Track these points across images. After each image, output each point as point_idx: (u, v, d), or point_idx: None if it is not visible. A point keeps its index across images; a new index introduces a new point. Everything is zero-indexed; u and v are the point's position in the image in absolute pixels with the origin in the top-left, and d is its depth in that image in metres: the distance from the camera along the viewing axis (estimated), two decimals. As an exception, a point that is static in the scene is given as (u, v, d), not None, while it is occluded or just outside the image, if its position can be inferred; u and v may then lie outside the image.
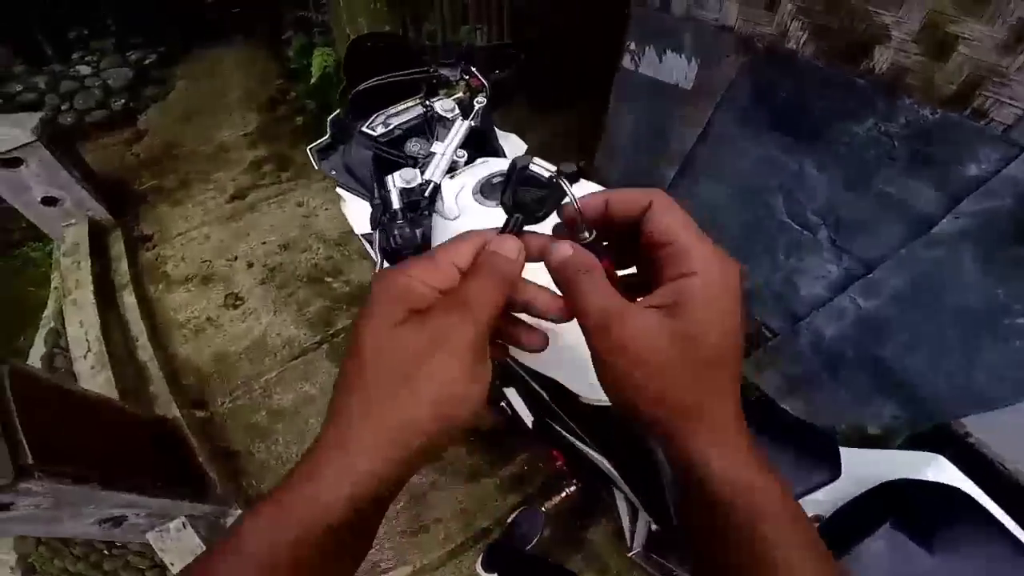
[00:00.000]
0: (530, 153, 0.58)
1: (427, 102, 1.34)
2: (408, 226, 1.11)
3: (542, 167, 0.40)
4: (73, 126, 4.59)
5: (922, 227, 1.47)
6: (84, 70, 4.86)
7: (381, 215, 1.17)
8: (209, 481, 1.97)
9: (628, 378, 0.31)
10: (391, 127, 1.44)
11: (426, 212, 1.20)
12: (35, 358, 2.49)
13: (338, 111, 1.47)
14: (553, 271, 0.35)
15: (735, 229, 2.01)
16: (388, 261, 1.20)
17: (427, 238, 1.19)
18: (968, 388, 1.56)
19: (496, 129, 1.50)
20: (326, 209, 3.21)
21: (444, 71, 1.41)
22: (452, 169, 1.18)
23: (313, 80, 3.69)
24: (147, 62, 5.20)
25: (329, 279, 2.79)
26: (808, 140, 1.63)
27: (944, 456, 1.03)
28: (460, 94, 1.39)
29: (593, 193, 0.38)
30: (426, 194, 1.15)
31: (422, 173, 1.14)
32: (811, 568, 0.28)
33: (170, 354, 2.52)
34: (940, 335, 1.56)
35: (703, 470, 0.30)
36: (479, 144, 1.33)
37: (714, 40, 1.74)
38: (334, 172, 1.47)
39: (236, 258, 2.95)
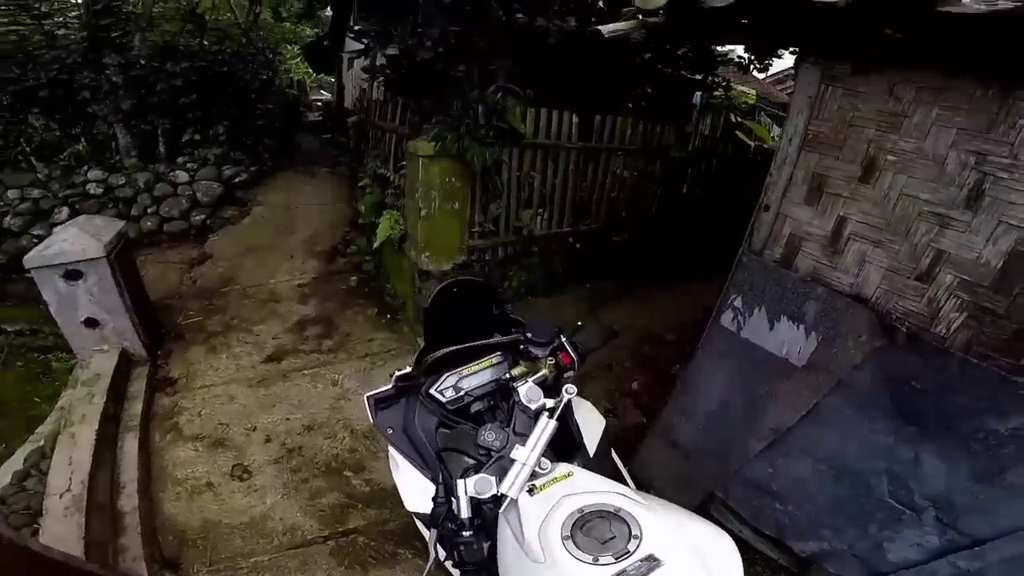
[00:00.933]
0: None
1: (507, 375, 1.24)
2: (475, 541, 0.98)
3: None
4: (152, 231, 4.85)
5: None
6: (181, 176, 5.15)
7: (444, 518, 1.02)
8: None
9: None
10: (461, 393, 1.32)
11: (493, 521, 1.05)
12: (8, 470, 2.28)
13: (407, 370, 1.36)
14: None
15: (819, 501, 1.79)
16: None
17: (493, 554, 1.04)
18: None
19: (574, 397, 1.35)
20: (360, 394, 3.04)
21: (534, 349, 1.29)
22: (533, 476, 1.03)
23: (376, 243, 3.75)
24: (236, 180, 5.50)
25: (349, 474, 2.52)
26: (936, 431, 1.44)
27: None
28: (545, 371, 1.26)
29: None
30: (501, 510, 1.02)
31: (498, 481, 1.00)
32: None
33: (155, 510, 2.26)
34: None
35: None
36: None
37: (843, 315, 1.53)
38: (391, 431, 1.32)
39: (255, 428, 2.74)
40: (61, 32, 5.72)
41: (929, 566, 1.58)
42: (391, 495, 2.40)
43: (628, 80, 4.86)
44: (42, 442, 2.44)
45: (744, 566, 0.87)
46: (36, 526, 1.96)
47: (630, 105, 4.93)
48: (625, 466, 1.44)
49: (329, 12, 8.73)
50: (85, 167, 4.87)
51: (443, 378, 1.33)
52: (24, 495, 2.16)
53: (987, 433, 1.34)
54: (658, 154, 4.39)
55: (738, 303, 1.80)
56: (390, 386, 1.34)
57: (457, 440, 1.27)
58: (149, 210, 4.94)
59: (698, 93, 6.04)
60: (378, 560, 2.12)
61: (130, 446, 2.51)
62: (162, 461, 2.50)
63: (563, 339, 1.32)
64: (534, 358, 1.30)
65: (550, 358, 1.29)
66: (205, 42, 6.12)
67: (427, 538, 1.08)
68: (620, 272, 4.52)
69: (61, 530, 1.92)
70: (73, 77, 4.78)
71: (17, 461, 2.35)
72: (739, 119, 7.20)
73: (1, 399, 2.99)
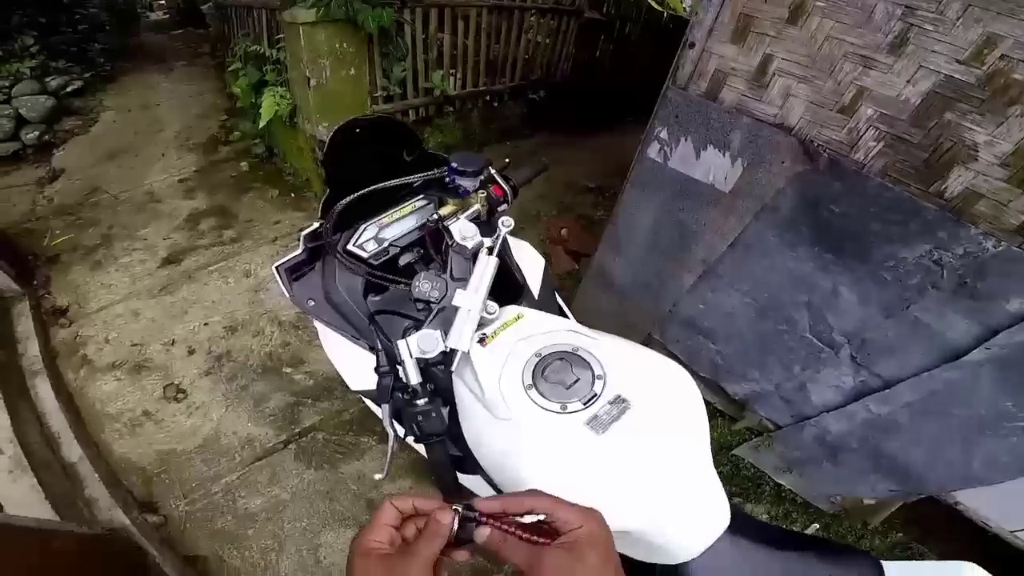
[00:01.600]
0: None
1: (435, 216, 1.07)
2: (432, 408, 0.88)
3: None
4: None
5: (949, 357, 1.46)
6: None
7: (392, 389, 0.93)
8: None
9: None
10: (385, 243, 1.18)
11: (448, 383, 0.97)
12: None
13: (316, 224, 1.19)
14: (484, 546, 0.51)
15: (748, 338, 1.92)
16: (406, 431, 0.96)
17: (455, 420, 0.96)
18: (963, 470, 1.60)
19: (510, 239, 1.23)
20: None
21: (462, 181, 1.16)
22: (481, 325, 0.94)
23: (262, 123, 3.32)
24: (69, 90, 4.66)
25: (289, 370, 2.42)
26: (850, 260, 1.55)
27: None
28: (477, 206, 1.12)
29: (493, 498, 0.54)
30: (453, 367, 0.93)
31: (444, 335, 0.89)
32: None
33: (104, 453, 2.10)
34: (944, 434, 1.58)
35: None
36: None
37: (768, 142, 1.56)
38: (312, 303, 1.17)
39: (173, 342, 2.53)
40: None
41: (847, 409, 1.70)
42: (337, 383, 2.37)
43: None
44: None
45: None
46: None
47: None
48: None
49: None
50: None
51: (361, 229, 1.18)
52: None
53: (896, 261, 1.44)
54: (571, 12, 4.31)
55: (664, 135, 1.80)
56: (300, 250, 1.17)
57: (389, 301, 1.16)
58: None
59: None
60: (344, 454, 2.14)
61: (44, 391, 2.23)
62: (86, 401, 2.28)
63: (492, 171, 1.19)
64: (463, 193, 1.18)
65: (481, 191, 1.17)
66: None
67: (381, 417, 0.99)
68: (537, 129, 4.62)
69: (17, 495, 1.75)
70: None
71: None
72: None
73: None
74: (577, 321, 1.03)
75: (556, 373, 0.85)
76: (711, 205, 1.78)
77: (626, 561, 0.80)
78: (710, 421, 1.26)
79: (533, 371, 0.86)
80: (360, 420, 2.25)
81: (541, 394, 0.83)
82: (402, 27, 3.18)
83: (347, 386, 1.21)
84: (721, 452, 2.17)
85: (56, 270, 2.90)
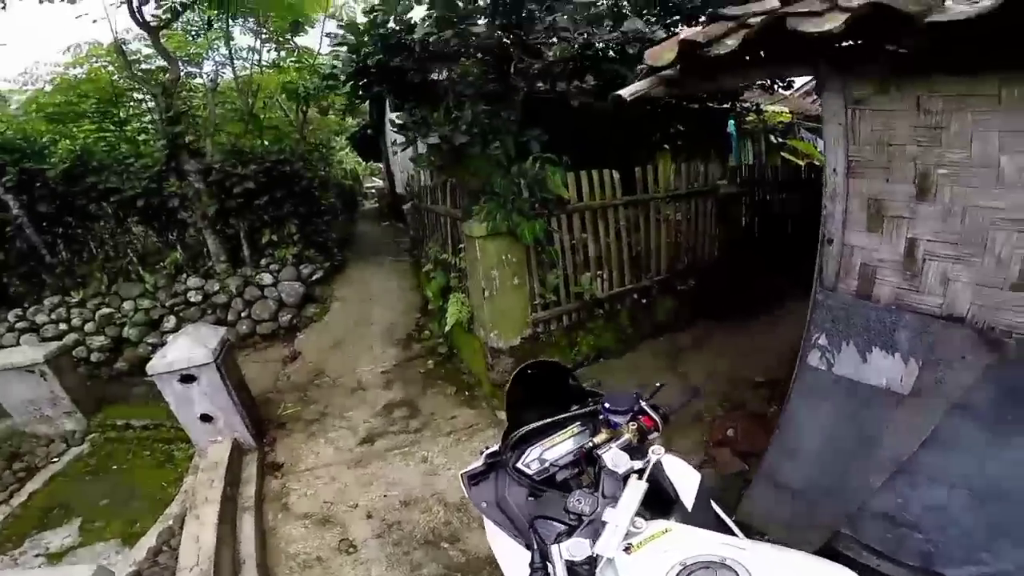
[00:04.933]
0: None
1: (590, 443, 1.28)
2: None
3: None
4: (247, 334, 5.31)
5: None
6: (266, 279, 5.60)
7: None
8: None
9: None
10: (546, 464, 1.38)
11: None
12: (143, 547, 2.60)
13: (495, 447, 1.47)
14: None
15: (966, 523, 1.61)
16: None
17: None
18: None
19: (663, 456, 1.31)
20: (449, 469, 3.16)
21: (614, 418, 1.34)
22: (627, 536, 1.02)
23: (447, 327, 3.91)
24: (314, 278, 5.88)
25: (446, 545, 2.62)
26: None
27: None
28: (628, 435, 1.28)
29: None
30: (598, 571, 1.01)
31: (592, 542, 1.00)
32: None
33: None
34: None
35: None
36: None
37: (940, 338, 1.41)
38: (485, 505, 1.39)
39: (356, 506, 2.91)
40: (142, 138, 6.49)
41: None
42: (486, 563, 2.45)
43: (658, 124, 4.93)
44: (171, 522, 2.75)
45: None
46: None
47: (666, 146, 4.96)
48: (730, 517, 1.39)
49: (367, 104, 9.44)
50: (184, 275, 5.43)
51: (528, 451, 1.40)
52: (157, 569, 2.43)
53: None
54: (707, 192, 4.24)
55: (823, 341, 1.72)
56: (480, 463, 1.44)
57: (546, 507, 1.30)
58: (242, 314, 5.44)
59: (731, 121, 6.05)
60: None
61: (247, 525, 2.74)
62: (275, 539, 2.71)
63: (643, 404, 1.35)
64: (615, 426, 1.34)
65: (631, 423, 1.32)
66: (265, 141, 6.65)
67: None
68: (691, 320, 4.35)
69: None
70: (161, 185, 5.32)
71: (150, 539, 2.66)
72: (779, 140, 7.06)
73: (133, 485, 3.41)
74: (749, 524, 1.06)
75: None
76: (891, 407, 1.62)
77: None
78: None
79: None
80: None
81: None
82: (551, 236, 3.51)
83: (501, 572, 1.35)
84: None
85: (281, 434, 3.64)
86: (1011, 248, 1.25)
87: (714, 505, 1.36)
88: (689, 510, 1.23)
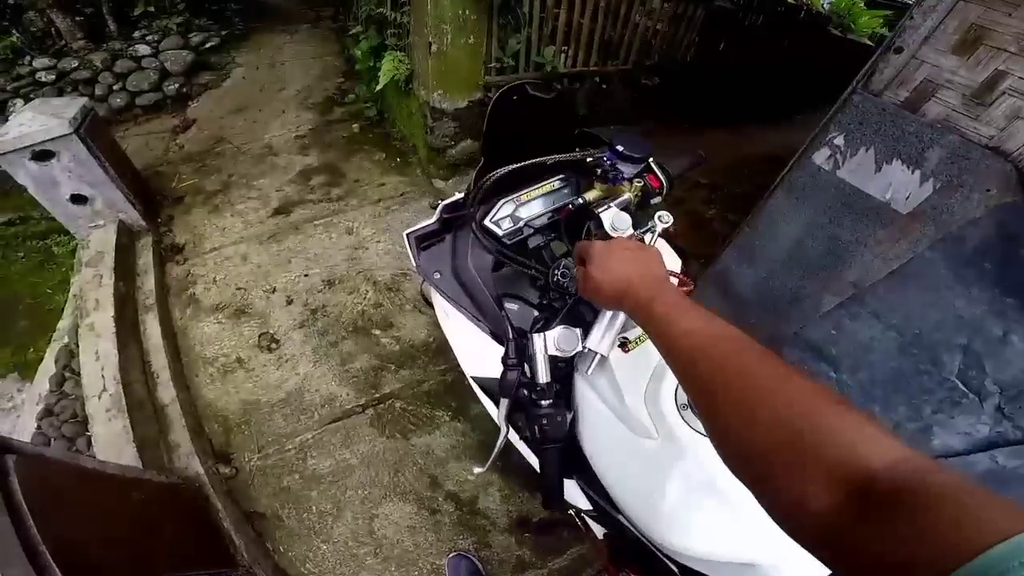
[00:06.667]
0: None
1: (581, 200, 0.97)
2: (558, 412, 0.80)
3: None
4: (123, 108, 4.44)
5: None
6: (143, 50, 4.65)
7: (517, 384, 0.83)
8: (236, 550, 1.68)
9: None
10: (520, 223, 1.06)
11: (570, 389, 0.90)
12: (44, 376, 2.21)
13: (457, 196, 1.11)
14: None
15: (878, 372, 1.69)
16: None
17: (574, 423, 0.88)
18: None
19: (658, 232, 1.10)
20: (378, 242, 2.88)
21: (623, 166, 0.99)
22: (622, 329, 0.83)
23: (379, 85, 3.36)
24: (208, 46, 4.99)
25: (377, 332, 2.42)
26: None
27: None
28: (628, 195, 0.98)
29: None
30: (588, 371, 0.84)
31: (583, 335, 0.81)
32: (680, 315, 0.58)
33: (193, 396, 2.19)
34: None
35: (650, 310, 0.61)
36: None
37: (976, 164, 1.33)
38: (438, 276, 1.08)
39: (274, 290, 2.61)
40: None
41: (970, 458, 1.54)
42: (421, 352, 2.34)
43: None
44: (66, 338, 2.32)
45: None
46: (88, 434, 1.91)
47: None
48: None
49: None
50: (28, 57, 4.30)
51: (499, 205, 1.06)
52: (67, 402, 2.08)
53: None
54: (699, 1, 3.90)
55: (839, 141, 1.61)
56: (434, 219, 1.10)
57: (511, 284, 1.07)
58: (115, 87, 4.50)
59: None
60: (417, 425, 2.11)
61: (152, 328, 2.40)
62: (188, 340, 2.41)
63: (653, 160, 1.04)
64: (618, 179, 1.01)
65: (637, 180, 1.02)
66: None
67: (492, 410, 0.93)
68: (648, 116, 4.27)
69: (110, 435, 1.86)
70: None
71: (49, 365, 2.26)
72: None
73: (12, 296, 2.82)
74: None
75: None
76: (879, 225, 1.56)
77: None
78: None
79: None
80: (438, 393, 2.20)
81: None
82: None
83: (462, 368, 1.11)
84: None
85: (179, 211, 3.12)
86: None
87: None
88: None
